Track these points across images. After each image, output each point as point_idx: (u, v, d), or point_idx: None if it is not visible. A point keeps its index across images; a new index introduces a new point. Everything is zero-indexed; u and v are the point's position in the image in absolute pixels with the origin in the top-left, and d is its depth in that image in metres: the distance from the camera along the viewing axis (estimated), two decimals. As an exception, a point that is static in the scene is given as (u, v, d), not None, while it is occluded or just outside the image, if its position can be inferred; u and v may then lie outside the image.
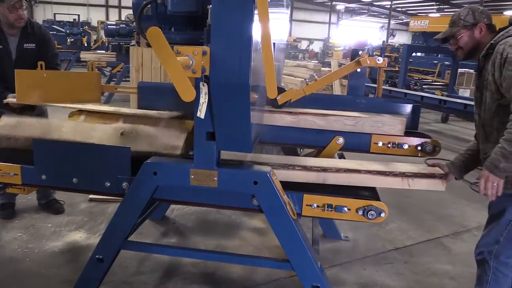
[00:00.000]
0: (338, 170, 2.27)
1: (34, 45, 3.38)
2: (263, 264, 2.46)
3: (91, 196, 4.06)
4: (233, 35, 1.73)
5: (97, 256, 2.32)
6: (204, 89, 1.78)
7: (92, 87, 3.18)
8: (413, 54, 12.76)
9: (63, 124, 2.57)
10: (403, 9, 33.66)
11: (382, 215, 2.09)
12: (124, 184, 2.27)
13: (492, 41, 2.13)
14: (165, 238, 3.42)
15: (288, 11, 3.52)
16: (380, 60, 2.80)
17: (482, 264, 2.30)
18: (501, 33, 2.13)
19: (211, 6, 1.81)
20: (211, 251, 3.01)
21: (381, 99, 3.05)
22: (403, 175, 2.28)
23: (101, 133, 2.43)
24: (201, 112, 1.79)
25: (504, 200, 2.12)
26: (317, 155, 2.85)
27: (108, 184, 2.31)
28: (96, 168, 2.31)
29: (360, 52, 2.84)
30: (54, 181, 2.44)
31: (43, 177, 2.40)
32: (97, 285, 2.38)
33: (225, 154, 2.18)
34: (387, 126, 2.66)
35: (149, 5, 2.44)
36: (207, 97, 1.79)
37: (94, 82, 3.19)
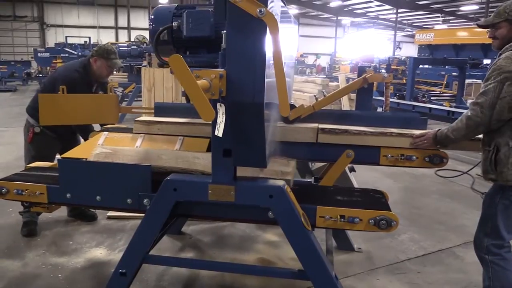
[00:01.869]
0: None
1: (101, 93, 3.82)
2: (280, 274, 2.56)
3: (109, 213, 4.19)
4: (247, 58, 1.85)
5: (120, 270, 2.42)
6: (221, 109, 1.90)
7: (111, 108, 3.33)
8: (420, 66, 12.86)
9: (163, 152, 2.61)
10: (408, 21, 33.90)
11: (393, 224, 2.18)
12: (145, 200, 2.39)
13: (508, 46, 2.29)
14: (183, 253, 3.52)
15: (297, 28, 3.66)
16: (386, 76, 2.92)
17: (482, 262, 2.42)
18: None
19: (225, 31, 1.95)
20: (228, 262, 3.11)
21: (389, 113, 3.15)
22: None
23: (205, 161, 2.48)
24: (219, 131, 1.90)
25: (489, 194, 2.40)
26: (328, 168, 2.94)
27: (130, 201, 2.44)
28: (118, 186, 2.44)
29: (366, 69, 2.96)
30: (79, 199, 2.57)
31: (68, 195, 2.53)
32: (120, 298, 2.48)
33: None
34: None
35: (165, 31, 2.58)
36: (224, 117, 1.91)
37: (112, 104, 3.35)
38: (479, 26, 2.56)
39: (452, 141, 2.43)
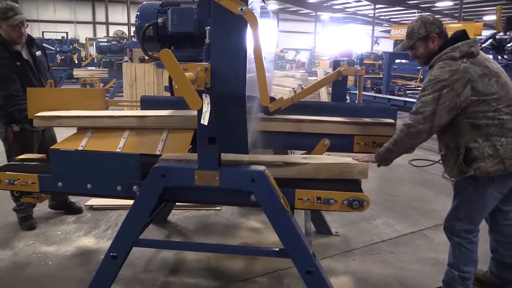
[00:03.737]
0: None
1: (40, 52, 3.74)
2: (262, 253, 2.74)
3: (95, 205, 4.30)
4: (230, 53, 2.01)
5: (111, 253, 2.57)
6: (206, 99, 2.06)
7: (98, 102, 3.44)
8: (397, 60, 13.20)
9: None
10: (386, 17, 34.46)
11: (365, 204, 2.38)
12: (134, 187, 2.54)
13: (437, 57, 2.45)
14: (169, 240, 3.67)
15: (276, 24, 3.83)
16: (359, 69, 3.11)
17: (450, 241, 2.64)
18: (443, 52, 2.43)
19: (209, 27, 2.10)
20: (216, 244, 3.30)
21: (362, 104, 3.35)
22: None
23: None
24: (205, 120, 2.06)
25: (462, 183, 2.53)
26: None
27: (120, 188, 2.57)
28: (108, 174, 2.57)
29: (341, 63, 3.15)
30: (70, 188, 2.69)
31: (60, 184, 2.65)
32: (111, 281, 2.62)
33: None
34: None
35: (150, 27, 2.72)
36: (209, 107, 2.07)
37: (99, 98, 3.46)
38: (401, 51, 2.72)
39: (396, 153, 2.57)
